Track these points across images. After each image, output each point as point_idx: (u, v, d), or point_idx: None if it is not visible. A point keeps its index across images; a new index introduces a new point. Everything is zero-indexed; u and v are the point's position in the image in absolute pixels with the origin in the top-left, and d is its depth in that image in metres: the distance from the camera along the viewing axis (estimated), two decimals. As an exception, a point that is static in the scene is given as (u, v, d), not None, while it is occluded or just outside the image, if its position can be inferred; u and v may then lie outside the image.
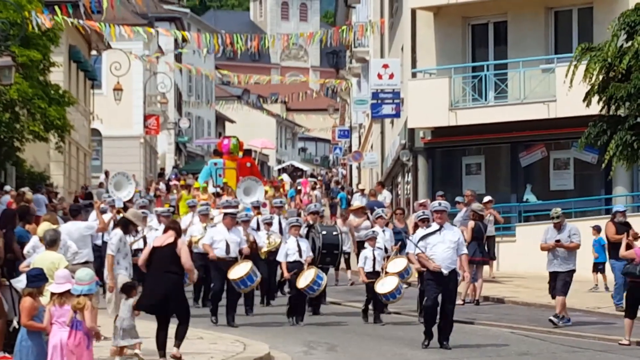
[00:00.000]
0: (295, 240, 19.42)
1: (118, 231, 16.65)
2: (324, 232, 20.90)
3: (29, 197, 27.38)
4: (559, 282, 19.60)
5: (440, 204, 17.36)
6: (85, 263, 16.74)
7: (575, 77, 22.55)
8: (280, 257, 19.66)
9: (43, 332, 12.13)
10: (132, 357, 15.10)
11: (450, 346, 16.04)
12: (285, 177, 63.24)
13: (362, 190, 39.38)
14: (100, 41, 54.60)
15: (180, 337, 14.73)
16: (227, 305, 19.07)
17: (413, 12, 33.71)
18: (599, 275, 24.43)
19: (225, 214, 20.05)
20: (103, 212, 22.22)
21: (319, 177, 78.42)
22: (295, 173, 75.58)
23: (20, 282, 14.03)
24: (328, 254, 20.67)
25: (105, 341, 13.45)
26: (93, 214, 23.07)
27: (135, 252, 17.81)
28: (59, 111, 38.74)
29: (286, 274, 19.42)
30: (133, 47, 59.24)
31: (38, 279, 12.49)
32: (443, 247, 15.99)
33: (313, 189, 56.04)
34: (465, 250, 17.08)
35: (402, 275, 19.53)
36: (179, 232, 15.60)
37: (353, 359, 16.45)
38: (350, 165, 68.98)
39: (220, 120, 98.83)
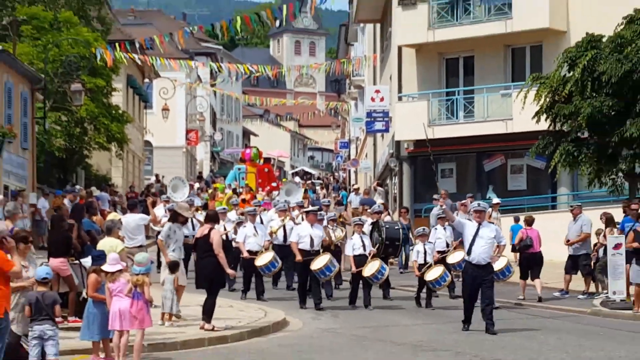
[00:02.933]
0: (360, 236, 18.47)
1: (167, 222, 16.72)
2: (387, 227, 19.51)
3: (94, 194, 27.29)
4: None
5: (479, 205, 15.94)
6: (140, 247, 16.76)
7: (527, 100, 22.55)
8: (347, 252, 18.78)
9: (104, 302, 12.19)
10: (176, 320, 15.15)
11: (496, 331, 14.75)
12: (297, 179, 63.10)
13: (357, 190, 39.06)
14: (152, 71, 54.57)
15: (207, 310, 14.69)
16: (312, 291, 18.05)
17: (399, 49, 33.66)
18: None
19: (308, 212, 19.13)
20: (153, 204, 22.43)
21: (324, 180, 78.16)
22: (305, 176, 75.33)
23: (87, 262, 14.08)
24: (390, 246, 19.36)
25: (155, 309, 13.45)
26: (161, 208, 23.30)
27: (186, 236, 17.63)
28: (119, 127, 38.75)
29: (354, 267, 18.12)
30: (177, 76, 59.23)
31: (100, 258, 12.72)
32: (481, 242, 14.83)
33: (322, 189, 56.10)
34: (503, 242, 16.30)
35: (459, 265, 18.26)
36: (213, 223, 15.62)
37: (351, 323, 16.43)
38: (349, 170, 68.76)
39: (246, 134, 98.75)
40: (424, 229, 19.48)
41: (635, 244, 17.35)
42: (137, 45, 41.54)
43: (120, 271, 12.20)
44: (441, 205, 19.86)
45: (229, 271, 15.90)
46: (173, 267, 15.00)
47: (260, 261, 18.57)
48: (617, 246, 18.52)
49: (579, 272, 20.40)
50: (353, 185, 49.81)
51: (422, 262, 18.14)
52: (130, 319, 12.14)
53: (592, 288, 20.07)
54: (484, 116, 31.31)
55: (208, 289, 14.89)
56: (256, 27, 64.03)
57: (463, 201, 24.02)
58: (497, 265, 17.33)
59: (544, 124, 22.36)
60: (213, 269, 14.89)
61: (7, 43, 31.16)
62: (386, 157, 38.32)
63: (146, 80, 57.83)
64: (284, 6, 39.09)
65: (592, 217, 20.52)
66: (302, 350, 13.58)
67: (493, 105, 31.14)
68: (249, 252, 18.96)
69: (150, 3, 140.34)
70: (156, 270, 18.13)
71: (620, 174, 21.83)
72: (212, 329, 14.52)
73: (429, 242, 18.73)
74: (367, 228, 19.49)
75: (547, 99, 21.81)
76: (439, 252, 18.95)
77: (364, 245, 18.14)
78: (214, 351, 13.57)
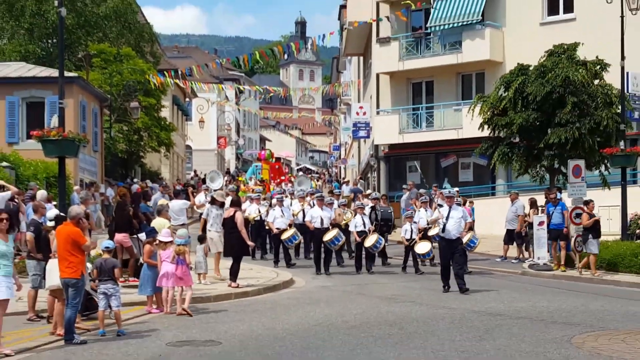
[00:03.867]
0: (361, 216, 17.83)
1: (208, 205, 17.13)
2: (382, 210, 19.21)
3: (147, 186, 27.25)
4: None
5: (449, 192, 15.54)
6: (182, 225, 16.77)
7: (474, 114, 22.52)
8: (352, 228, 18.09)
9: (156, 266, 12.27)
10: (205, 281, 15.16)
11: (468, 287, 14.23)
12: (301, 173, 63.07)
13: (347, 182, 39.10)
14: (191, 93, 54.60)
15: (233, 272, 14.75)
16: (324, 260, 17.70)
17: (377, 75, 33.57)
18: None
19: (318, 198, 18.50)
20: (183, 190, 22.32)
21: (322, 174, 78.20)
22: (306, 172, 75.37)
23: (143, 236, 14.14)
24: (385, 225, 19.08)
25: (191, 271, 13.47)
26: (202, 195, 23.02)
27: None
28: (166, 134, 38.80)
29: (358, 238, 17.64)
30: (210, 96, 58.94)
31: (152, 233, 13.06)
32: (452, 221, 14.26)
33: (318, 180, 56.00)
34: (469, 219, 15.69)
35: (437, 237, 17.19)
36: (238, 207, 15.67)
37: (341, 282, 16.47)
38: (340, 167, 68.81)
39: (262, 139, 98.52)
40: (410, 212, 19.04)
41: (590, 222, 17.12)
42: (180, 73, 41.68)
43: (170, 242, 12.34)
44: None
45: (250, 243, 16.00)
46: (201, 239, 15.08)
47: (285, 235, 18.31)
48: (540, 223, 18.54)
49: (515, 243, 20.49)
50: (343, 178, 49.81)
51: (409, 237, 17.74)
52: (175, 279, 12.26)
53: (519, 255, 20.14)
54: (441, 126, 31.22)
55: (233, 257, 14.90)
56: (270, 59, 64.37)
57: (441, 190, 22.85)
58: (464, 239, 16.82)
59: (486, 132, 22.35)
60: (237, 242, 14.91)
61: (82, 71, 31.24)
62: (367, 156, 38.39)
63: (187, 99, 57.85)
64: (291, 44, 39.32)
65: (522, 201, 20.57)
66: (304, 301, 13.64)
67: (448, 118, 31.05)
68: (277, 229, 18.66)
69: (189, 41, 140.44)
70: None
71: (543, 168, 21.84)
72: (237, 286, 14.59)
73: (414, 222, 18.23)
74: (424, 215, 18.52)
75: (488, 113, 21.78)
76: (420, 229, 18.25)
77: (364, 223, 17.80)
78: (238, 302, 13.65)
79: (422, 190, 23.05)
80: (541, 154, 21.14)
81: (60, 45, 15.04)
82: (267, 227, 19.88)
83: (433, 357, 8.92)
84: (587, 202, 17.67)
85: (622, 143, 21.11)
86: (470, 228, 18.15)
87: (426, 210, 18.98)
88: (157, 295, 12.41)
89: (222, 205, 16.61)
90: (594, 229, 17.17)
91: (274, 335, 10.34)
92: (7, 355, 9.01)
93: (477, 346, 9.53)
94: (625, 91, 21.38)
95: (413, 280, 16.82)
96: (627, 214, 19.86)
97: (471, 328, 10.78)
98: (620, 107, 20.50)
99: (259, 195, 21.58)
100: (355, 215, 18.23)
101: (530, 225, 19.20)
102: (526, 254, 20.00)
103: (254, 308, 12.90)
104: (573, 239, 18.09)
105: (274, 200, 20.33)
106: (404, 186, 26.60)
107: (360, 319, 11.69)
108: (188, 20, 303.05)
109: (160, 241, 12.44)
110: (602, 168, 21.15)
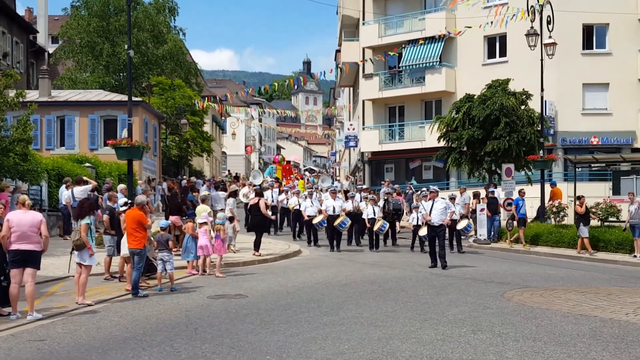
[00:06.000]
0: (372, 207, 16.71)
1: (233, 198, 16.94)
2: (393, 202, 17.85)
3: (193, 180, 27.13)
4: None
5: (431, 188, 14.14)
6: (221, 210, 16.68)
7: (434, 130, 22.49)
8: (364, 216, 16.82)
9: (196, 238, 12.18)
10: (233, 250, 15.13)
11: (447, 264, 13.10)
12: (307, 173, 63.03)
13: (339, 180, 39.06)
14: (225, 113, 54.57)
15: (256, 244, 14.67)
16: (336, 240, 16.67)
17: (363, 101, 33.44)
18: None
19: (331, 191, 17.63)
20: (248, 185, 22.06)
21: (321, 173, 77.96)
22: (311, 172, 75.34)
23: (186, 217, 14.05)
24: (395, 214, 17.67)
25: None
26: (246, 188, 21.34)
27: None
28: (207, 144, 38.79)
29: (368, 224, 16.61)
30: (240, 116, 59.40)
31: (192, 216, 12.97)
32: (435, 212, 13.21)
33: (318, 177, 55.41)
34: (452, 209, 14.57)
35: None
36: (260, 197, 15.66)
37: (337, 253, 16.27)
38: (336, 168, 68.73)
39: (278, 147, 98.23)
40: (417, 204, 16.53)
41: (582, 210, 15.79)
42: (217, 99, 41.68)
43: (205, 223, 12.26)
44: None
45: (272, 217, 16.17)
46: (231, 219, 14.92)
47: (315, 220, 17.09)
48: (482, 210, 18.58)
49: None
50: (337, 177, 49.62)
51: (416, 223, 16.11)
52: (211, 249, 12.20)
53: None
54: (410, 138, 31.15)
55: (256, 232, 14.88)
56: (284, 89, 64.64)
57: (431, 188, 21.67)
58: (460, 225, 16.16)
59: (442, 143, 22.34)
60: (258, 222, 14.97)
61: (145, 97, 31.20)
62: (356, 160, 38.31)
63: (222, 117, 57.86)
64: (300, 77, 39.53)
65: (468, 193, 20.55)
66: (308, 266, 13.57)
67: (414, 133, 30.96)
68: (309, 216, 17.31)
69: (225, 75, 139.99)
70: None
71: (484, 170, 21.80)
72: (259, 255, 14.53)
73: (420, 212, 17.03)
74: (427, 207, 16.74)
75: (444, 129, 21.77)
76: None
77: (374, 212, 16.72)
78: (260, 266, 13.58)
79: (394, 187, 22.88)
80: (482, 160, 21.11)
81: (129, 77, 14.99)
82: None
83: (403, 306, 8.90)
84: (579, 197, 16.25)
85: (541, 152, 21.10)
86: (465, 217, 17.24)
87: (432, 203, 17.61)
88: (197, 261, 12.36)
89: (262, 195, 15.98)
90: (585, 217, 15.83)
91: (286, 291, 10.30)
92: (89, 305, 8.98)
93: (434, 299, 9.50)
94: (544, 114, 21.37)
95: (397, 253, 16.46)
96: (545, 203, 19.88)
97: (431, 286, 10.74)
98: (540, 125, 20.52)
99: (298, 190, 20.63)
100: (367, 206, 17.18)
101: (474, 210, 19.18)
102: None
103: (271, 271, 12.84)
104: (505, 221, 18.05)
105: (306, 192, 19.01)
106: (382, 182, 26.53)
107: (349, 279, 11.63)
108: (224, 60, 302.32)
109: (200, 223, 12.38)
110: (527, 170, 21.14)
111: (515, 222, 17.78)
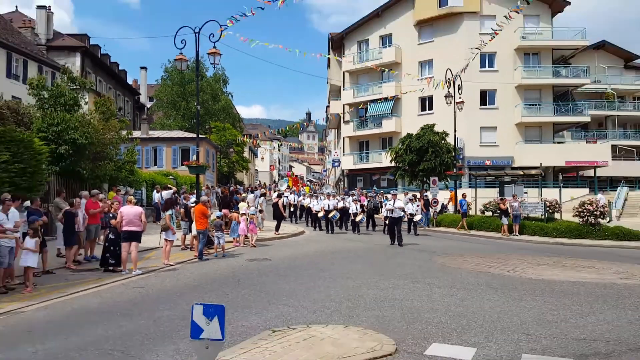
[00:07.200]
0: (355, 205, 15.64)
1: (263, 198, 16.40)
2: (373, 202, 16.63)
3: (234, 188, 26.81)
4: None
5: (394, 192, 13.43)
6: (254, 206, 16.42)
7: (388, 156, 22.28)
8: (350, 211, 15.74)
9: (239, 222, 11.98)
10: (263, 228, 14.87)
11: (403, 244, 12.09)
12: (309, 183, 62.76)
13: (330, 186, 38.68)
14: (257, 145, 54.21)
15: (277, 227, 14.33)
16: (327, 226, 15.50)
17: (344, 138, 33.30)
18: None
19: (327, 194, 16.84)
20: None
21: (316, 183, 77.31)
22: (310, 182, 75.07)
23: (232, 210, 13.70)
24: (374, 209, 16.32)
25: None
26: (275, 193, 19.15)
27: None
28: (246, 164, 38.43)
29: (352, 217, 15.43)
30: (266, 147, 59.18)
31: (236, 209, 12.58)
32: (396, 207, 12.52)
33: (315, 186, 54.60)
34: (411, 210, 13.69)
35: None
36: (280, 198, 15.36)
37: (330, 235, 15.66)
38: (326, 179, 68.03)
39: (290, 167, 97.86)
40: (385, 201, 15.10)
41: (504, 207, 14.35)
42: (252, 136, 41.64)
43: (244, 214, 12.14)
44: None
45: (285, 215, 15.65)
46: (260, 211, 14.63)
47: (320, 214, 16.07)
48: (417, 206, 18.08)
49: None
50: (329, 185, 49.21)
51: (385, 216, 14.72)
52: (247, 230, 12.03)
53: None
54: (373, 161, 30.96)
55: (277, 220, 14.63)
56: (294, 129, 64.52)
57: (392, 192, 18.58)
58: (417, 218, 14.73)
59: (393, 164, 22.15)
60: (279, 214, 14.67)
61: (207, 134, 31.02)
62: (339, 175, 38.07)
63: (256, 147, 57.56)
64: (304, 123, 39.59)
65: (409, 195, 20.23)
66: (310, 241, 13.34)
67: (376, 157, 30.77)
68: (316, 211, 16.23)
69: (257, 121, 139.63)
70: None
71: (419, 181, 21.57)
72: (278, 234, 14.21)
73: (385, 206, 15.17)
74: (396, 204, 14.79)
75: (394, 155, 21.68)
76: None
77: (356, 209, 15.90)
78: (279, 241, 13.28)
79: (363, 190, 22.54)
80: (418, 174, 21.01)
81: (197, 122, 14.81)
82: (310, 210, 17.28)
83: (369, 267, 8.86)
84: (502, 199, 14.86)
85: (454, 170, 21.10)
86: (423, 211, 16.01)
87: (393, 202, 16.14)
88: (238, 239, 12.22)
89: (281, 196, 15.47)
90: (505, 212, 14.54)
91: (295, 257, 10.21)
92: (171, 266, 8.96)
93: (388, 261, 9.47)
94: (456, 146, 21.29)
95: (366, 234, 15.74)
96: (457, 202, 19.70)
97: (386, 254, 10.66)
98: (454, 153, 20.49)
99: (311, 194, 20.22)
100: (351, 204, 16.28)
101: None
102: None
103: (286, 244, 12.68)
104: (432, 213, 17.75)
105: (310, 193, 18.66)
106: (354, 188, 26.42)
107: (336, 249, 11.51)
108: (256, 112, 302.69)
109: (241, 213, 12.26)
110: (446, 181, 21.07)
111: (460, 214, 16.60)
